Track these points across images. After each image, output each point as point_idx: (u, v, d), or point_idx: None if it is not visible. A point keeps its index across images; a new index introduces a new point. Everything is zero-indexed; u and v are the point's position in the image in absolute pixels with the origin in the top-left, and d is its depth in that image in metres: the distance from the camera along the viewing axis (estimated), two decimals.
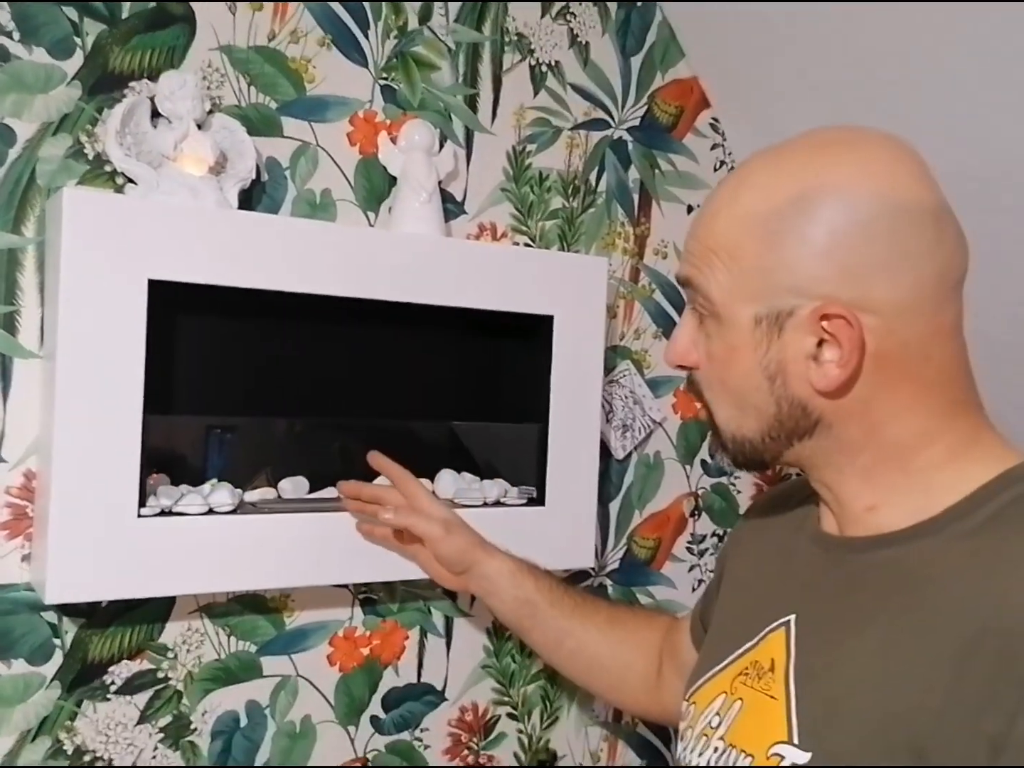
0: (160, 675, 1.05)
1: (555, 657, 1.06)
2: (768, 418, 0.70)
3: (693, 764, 0.74)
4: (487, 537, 1.07)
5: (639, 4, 1.33)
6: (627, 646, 1.02)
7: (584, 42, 1.30)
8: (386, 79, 1.16)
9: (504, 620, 1.07)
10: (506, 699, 1.27)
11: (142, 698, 1.04)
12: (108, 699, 1.02)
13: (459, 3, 1.20)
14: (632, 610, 1.17)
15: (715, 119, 1.41)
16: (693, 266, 0.71)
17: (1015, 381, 1.11)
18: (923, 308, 0.65)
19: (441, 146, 1.18)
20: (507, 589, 1.02)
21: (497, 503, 1.15)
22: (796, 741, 0.65)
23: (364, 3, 1.14)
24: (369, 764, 1.18)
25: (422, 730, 1.21)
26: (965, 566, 0.62)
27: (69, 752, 1.00)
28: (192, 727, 1.07)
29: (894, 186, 0.64)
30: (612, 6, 1.31)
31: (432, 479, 1.16)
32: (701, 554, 1.41)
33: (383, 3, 1.15)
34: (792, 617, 0.71)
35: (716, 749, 0.71)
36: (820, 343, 0.66)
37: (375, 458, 1.07)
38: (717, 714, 0.73)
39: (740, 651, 0.75)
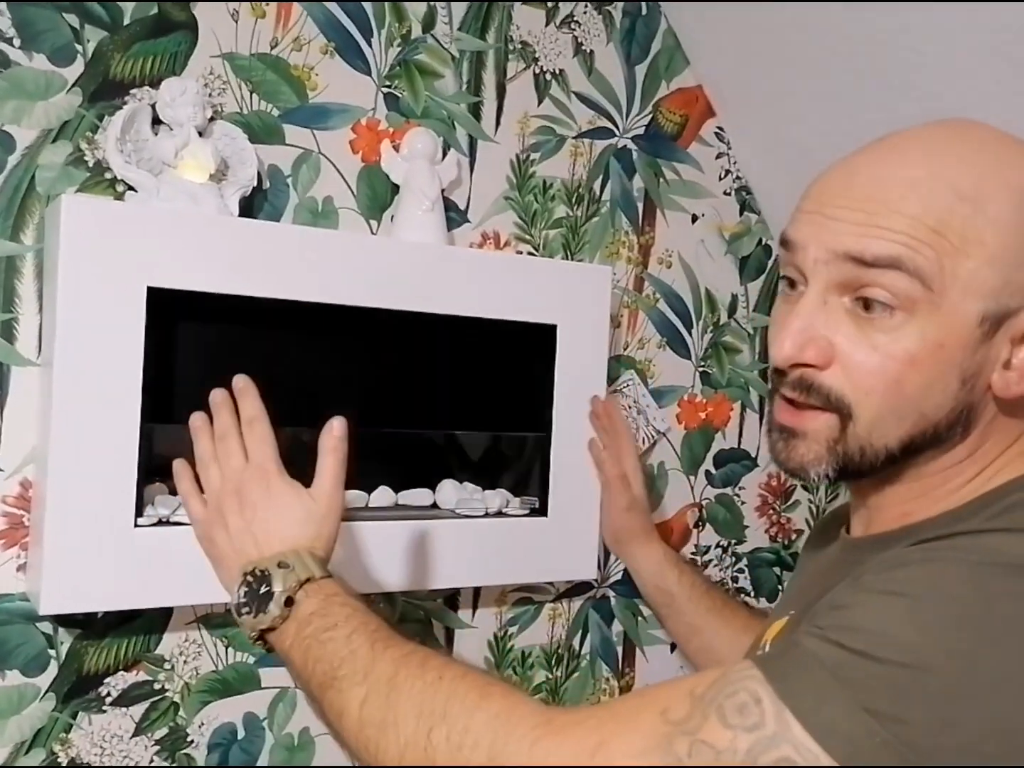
0: (157, 686, 1.04)
1: (685, 648, 1.15)
2: (929, 423, 0.63)
3: None
4: (490, 548, 1.08)
5: (644, 13, 1.33)
6: None
7: (588, 50, 1.29)
8: (389, 87, 1.15)
9: (646, 601, 1.22)
10: None
11: (138, 710, 1.03)
12: (104, 711, 1.01)
13: (463, 11, 1.20)
14: None
15: (720, 128, 1.40)
16: (909, 246, 0.60)
17: None
18: None
19: (444, 154, 1.17)
20: (649, 574, 1.15)
21: (499, 513, 1.14)
22: None
23: (367, 11, 1.13)
24: None
25: None
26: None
27: (64, 764, 0.99)
28: (189, 739, 1.06)
29: None
30: (617, 15, 1.31)
31: (434, 489, 1.15)
32: (705, 565, 1.40)
33: (387, 11, 1.15)
34: (794, 611, 0.73)
35: None
36: (1014, 347, 0.63)
37: (606, 405, 1.16)
38: None
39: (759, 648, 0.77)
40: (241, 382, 0.83)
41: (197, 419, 0.83)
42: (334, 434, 0.81)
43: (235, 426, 0.82)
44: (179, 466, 0.85)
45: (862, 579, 0.59)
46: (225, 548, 0.79)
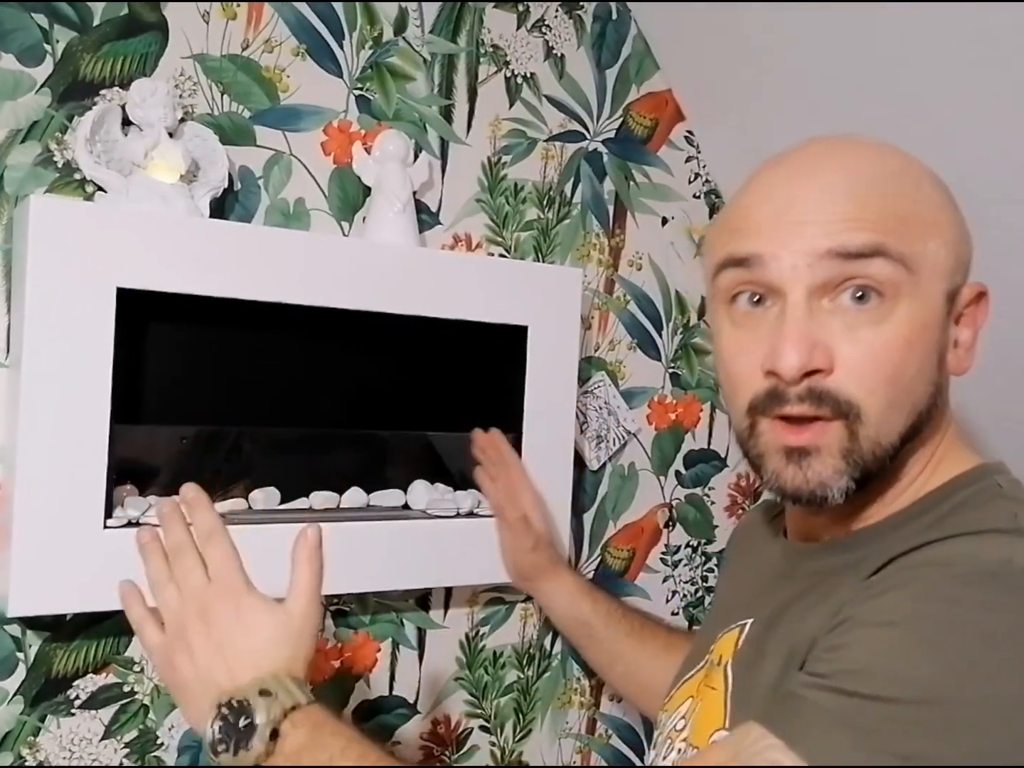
0: (126, 689, 1.03)
1: (608, 676, 1.13)
2: (918, 413, 0.63)
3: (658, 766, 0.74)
4: (461, 549, 1.09)
5: (614, 17, 1.34)
6: None
7: (560, 54, 1.30)
8: (361, 89, 1.16)
9: (562, 634, 1.18)
10: (479, 711, 1.26)
11: (107, 713, 1.02)
12: (72, 714, 1.01)
13: (434, 14, 1.20)
14: (692, 637, 1.18)
15: (690, 132, 1.41)
16: (887, 233, 0.61)
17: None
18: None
19: (416, 156, 1.17)
20: (563, 608, 1.10)
21: (471, 514, 1.14)
22: (727, 726, 0.66)
23: (339, 13, 1.14)
24: None
25: (394, 744, 1.19)
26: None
27: None
28: (159, 742, 1.05)
29: None
30: (587, 19, 1.32)
31: (405, 490, 1.16)
32: (675, 565, 1.41)
33: (358, 13, 1.15)
34: (750, 621, 0.72)
35: (679, 751, 0.72)
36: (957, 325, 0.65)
37: (490, 439, 1.11)
38: (683, 718, 0.74)
39: (707, 657, 0.76)
40: (191, 492, 0.75)
41: (145, 535, 0.75)
42: (309, 543, 0.74)
43: (190, 540, 0.74)
44: (126, 589, 0.76)
45: (848, 612, 0.58)
46: (190, 677, 0.70)
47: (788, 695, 0.57)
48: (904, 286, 0.61)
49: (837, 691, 0.53)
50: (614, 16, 1.34)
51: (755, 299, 0.65)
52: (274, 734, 0.66)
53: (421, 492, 1.14)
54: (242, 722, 0.65)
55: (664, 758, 0.73)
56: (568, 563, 1.18)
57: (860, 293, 0.62)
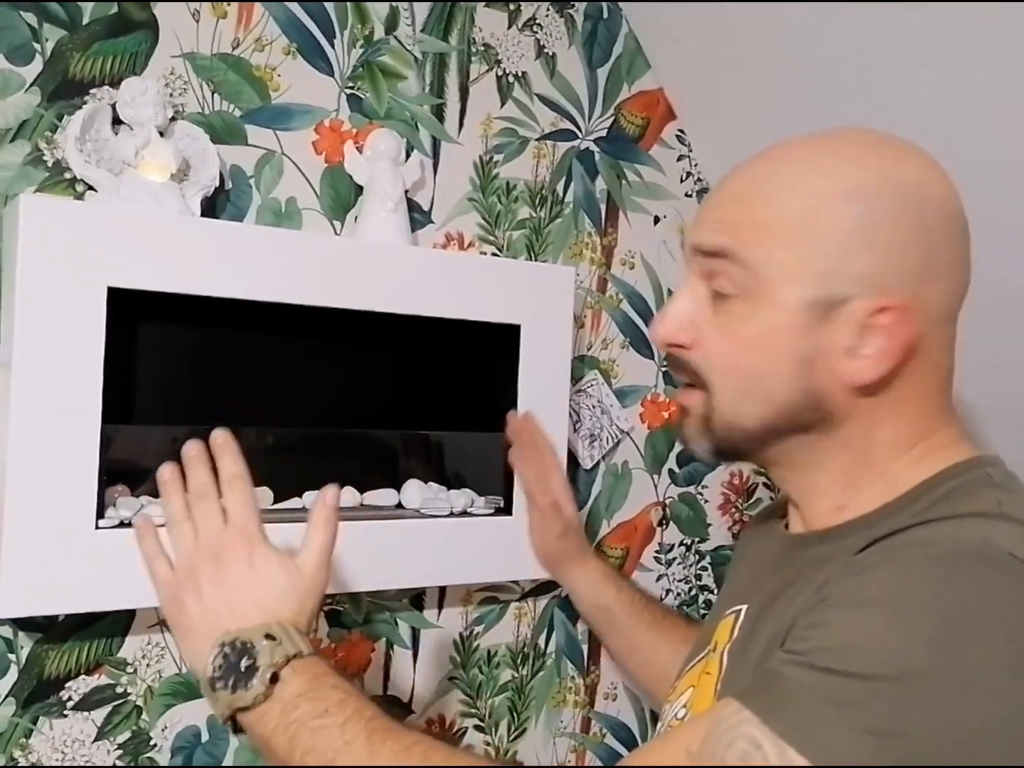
0: (119, 690, 1.03)
1: (627, 665, 1.12)
2: (778, 407, 0.67)
3: None
4: (455, 548, 1.09)
5: (605, 16, 1.34)
6: None
7: (551, 53, 1.30)
8: (352, 88, 1.16)
9: (584, 620, 1.19)
10: (473, 711, 1.26)
11: (100, 714, 1.02)
12: (65, 715, 1.00)
13: (425, 13, 1.20)
14: None
15: (681, 131, 1.42)
16: (735, 237, 0.66)
17: None
18: (951, 318, 0.67)
19: (408, 155, 1.17)
20: (587, 594, 1.11)
21: (464, 513, 1.14)
22: None
23: (330, 12, 1.14)
24: None
25: None
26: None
27: None
28: (152, 743, 1.05)
29: (952, 197, 0.66)
30: (578, 18, 1.32)
31: (399, 489, 1.16)
32: (669, 563, 1.41)
33: (349, 12, 1.15)
34: (744, 607, 0.73)
35: None
36: (860, 336, 0.65)
37: (524, 423, 1.12)
38: (684, 706, 0.75)
39: (708, 646, 0.77)
40: (220, 437, 0.77)
41: (166, 472, 0.77)
42: (328, 503, 0.76)
43: (213, 484, 0.76)
44: (142, 522, 0.78)
45: (829, 591, 0.59)
46: (196, 615, 0.72)
47: (767, 672, 0.57)
48: (753, 290, 0.65)
49: (812, 667, 0.54)
50: (605, 15, 1.34)
51: None
52: (274, 678, 0.67)
53: (415, 491, 1.14)
54: (244, 662, 0.67)
55: None
56: (595, 551, 1.19)
57: (715, 288, 0.68)
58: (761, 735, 0.52)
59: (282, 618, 0.71)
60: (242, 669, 0.67)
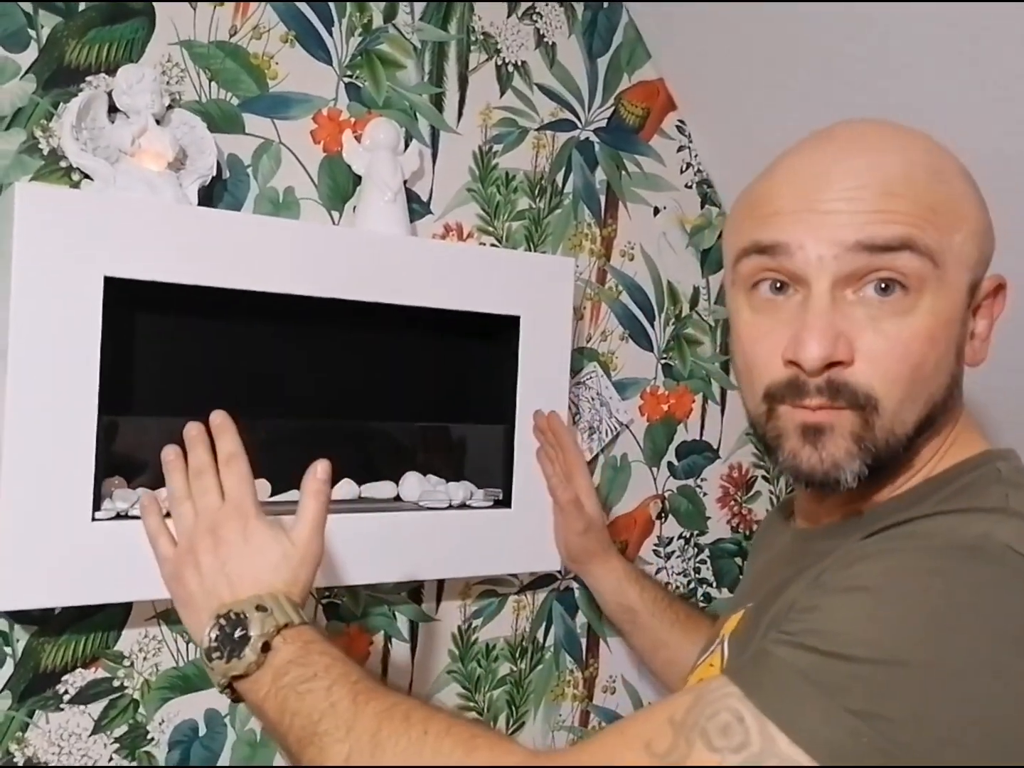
0: (116, 684, 1.02)
1: (652, 664, 1.12)
2: (934, 405, 0.64)
3: None
4: (454, 541, 1.08)
5: (605, 6, 1.33)
6: None
7: (551, 43, 1.29)
8: (351, 77, 1.15)
9: (608, 618, 1.19)
10: (472, 704, 1.25)
11: (97, 707, 1.01)
12: (61, 709, 0.99)
13: (424, 2, 1.19)
14: None
15: (681, 121, 1.41)
16: (913, 226, 0.61)
17: None
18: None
19: (406, 145, 1.16)
20: (610, 592, 1.13)
21: (463, 505, 1.13)
22: None
23: (328, 0, 1.12)
24: None
25: None
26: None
27: (20, 764, 0.97)
28: (149, 737, 1.04)
29: None
30: (579, 7, 1.31)
31: (397, 481, 1.15)
32: (668, 556, 1.41)
33: (348, 0, 1.14)
34: (752, 603, 0.73)
35: None
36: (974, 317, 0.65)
37: (550, 421, 1.13)
38: None
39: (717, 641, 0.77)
40: (219, 418, 0.80)
41: (170, 452, 0.80)
42: (318, 476, 0.78)
43: (212, 462, 0.79)
44: (146, 500, 0.81)
45: (824, 578, 0.59)
46: (195, 589, 0.74)
47: (757, 650, 0.58)
48: (930, 280, 0.61)
49: (800, 647, 0.54)
50: (605, 5, 1.33)
51: (777, 286, 0.65)
52: (266, 647, 0.69)
53: (413, 484, 1.14)
54: (237, 633, 0.70)
55: None
56: (618, 550, 1.19)
57: (884, 285, 0.61)
58: (744, 708, 0.53)
59: (275, 589, 0.73)
60: (236, 639, 0.70)
